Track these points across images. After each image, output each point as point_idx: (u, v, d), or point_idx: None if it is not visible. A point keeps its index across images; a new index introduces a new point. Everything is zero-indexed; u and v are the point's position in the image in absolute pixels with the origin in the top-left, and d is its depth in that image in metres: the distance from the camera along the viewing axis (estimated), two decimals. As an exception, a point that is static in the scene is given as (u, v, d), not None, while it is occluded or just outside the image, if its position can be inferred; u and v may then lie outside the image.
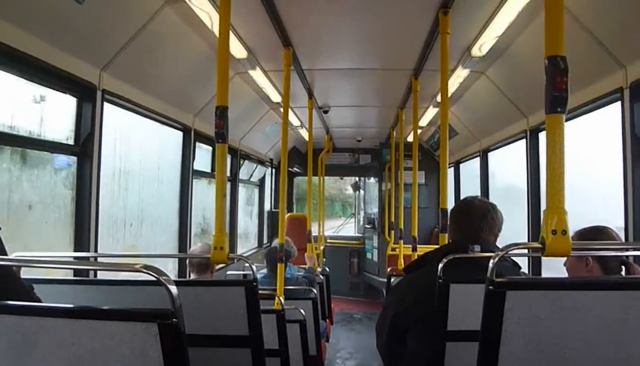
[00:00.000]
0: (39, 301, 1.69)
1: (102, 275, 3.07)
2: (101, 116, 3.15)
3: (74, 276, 2.87)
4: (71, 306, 1.33)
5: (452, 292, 2.03)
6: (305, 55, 4.30)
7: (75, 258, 2.93)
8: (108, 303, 1.35)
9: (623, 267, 2.13)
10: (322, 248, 7.77)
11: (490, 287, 1.35)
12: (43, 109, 2.97)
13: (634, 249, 2.42)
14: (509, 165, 5.69)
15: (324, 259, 7.94)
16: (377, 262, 9.01)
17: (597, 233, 2.18)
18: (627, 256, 2.16)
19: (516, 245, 1.47)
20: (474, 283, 1.88)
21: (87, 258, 2.98)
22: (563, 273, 2.25)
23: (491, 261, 1.37)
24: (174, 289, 1.25)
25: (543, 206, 1.47)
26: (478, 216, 2.20)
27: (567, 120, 1.49)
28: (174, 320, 1.23)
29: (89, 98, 3.07)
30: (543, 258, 2.48)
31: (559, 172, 1.43)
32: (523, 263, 4.42)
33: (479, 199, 2.32)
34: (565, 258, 2.22)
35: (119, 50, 3.08)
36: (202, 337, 2.17)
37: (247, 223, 8.02)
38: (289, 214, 9.05)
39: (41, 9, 2.42)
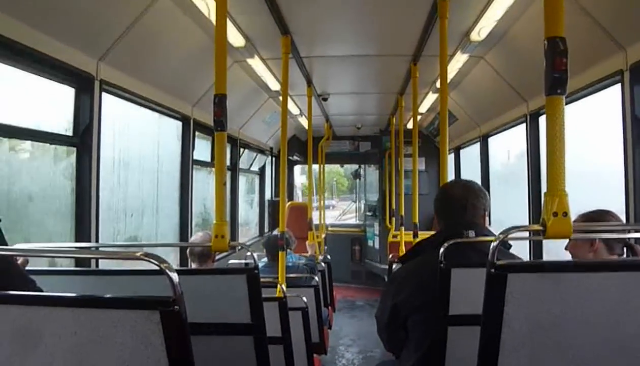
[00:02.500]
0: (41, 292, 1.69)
1: (104, 266, 3.08)
2: (99, 106, 3.13)
3: (76, 267, 2.88)
4: (73, 295, 1.32)
5: (453, 277, 2.03)
6: (303, 43, 4.27)
7: (76, 248, 2.93)
8: (110, 292, 1.35)
9: (625, 249, 2.13)
10: (323, 235, 7.77)
11: (492, 270, 1.35)
12: (41, 101, 2.95)
13: (635, 231, 2.42)
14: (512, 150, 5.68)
15: (325, 247, 7.94)
16: (378, 249, 9.00)
17: (602, 215, 2.18)
18: (629, 238, 2.16)
19: (517, 228, 1.46)
20: (475, 267, 1.88)
21: (89, 248, 2.99)
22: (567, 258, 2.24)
23: (492, 244, 1.37)
24: (174, 276, 1.24)
25: (544, 190, 1.46)
26: (458, 206, 2.20)
27: (567, 103, 1.48)
28: (176, 307, 1.22)
29: (86, 89, 3.06)
30: (544, 242, 2.48)
31: (560, 154, 1.43)
32: (524, 248, 4.43)
33: (457, 186, 2.31)
34: (566, 243, 2.23)
35: (116, 40, 3.06)
36: (204, 325, 2.17)
37: (248, 212, 8.02)
38: (289, 202, 9.06)
39: (36, -1, 2.40)
